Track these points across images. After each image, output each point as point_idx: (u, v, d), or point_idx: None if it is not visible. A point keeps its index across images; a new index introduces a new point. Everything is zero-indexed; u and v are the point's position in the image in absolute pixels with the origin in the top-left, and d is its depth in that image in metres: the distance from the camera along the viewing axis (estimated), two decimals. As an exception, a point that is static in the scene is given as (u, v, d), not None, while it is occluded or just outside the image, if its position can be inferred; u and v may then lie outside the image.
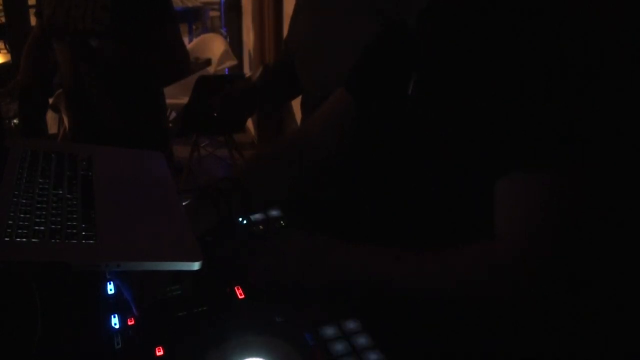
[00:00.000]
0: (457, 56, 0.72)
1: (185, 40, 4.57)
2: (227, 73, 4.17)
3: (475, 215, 0.70)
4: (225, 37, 4.63)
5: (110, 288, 0.76)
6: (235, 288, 0.76)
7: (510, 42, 0.66)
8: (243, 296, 0.75)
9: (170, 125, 3.52)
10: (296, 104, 3.31)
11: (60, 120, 3.07)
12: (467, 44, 0.71)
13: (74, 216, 0.79)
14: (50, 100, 2.82)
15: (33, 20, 2.08)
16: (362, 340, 0.67)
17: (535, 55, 0.63)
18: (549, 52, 0.63)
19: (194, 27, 5.64)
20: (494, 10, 0.69)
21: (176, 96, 3.56)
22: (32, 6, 3.17)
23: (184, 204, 0.96)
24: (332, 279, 0.73)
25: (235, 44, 4.64)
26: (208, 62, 3.55)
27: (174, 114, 3.78)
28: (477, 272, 0.68)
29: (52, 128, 3.07)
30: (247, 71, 4.42)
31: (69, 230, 0.75)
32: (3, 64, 3.15)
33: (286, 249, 0.78)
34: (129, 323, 0.70)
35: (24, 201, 0.80)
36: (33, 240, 0.71)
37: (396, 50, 0.83)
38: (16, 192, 0.82)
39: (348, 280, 0.73)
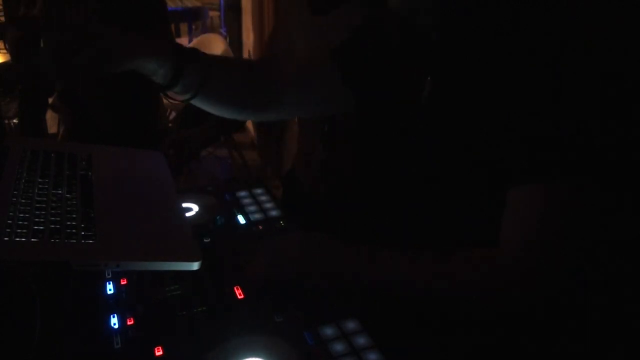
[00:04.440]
0: (472, 63, 0.71)
1: (185, 40, 4.57)
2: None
3: (482, 219, 0.70)
4: (225, 37, 4.63)
5: (110, 288, 0.76)
6: (235, 288, 0.76)
7: (523, 52, 0.65)
8: (243, 296, 0.75)
9: (170, 125, 3.51)
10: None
11: (60, 120, 3.06)
12: (482, 51, 0.70)
13: (74, 216, 0.79)
14: (50, 100, 2.81)
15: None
16: (361, 340, 0.67)
17: (550, 65, 0.63)
18: (563, 63, 0.62)
19: (193, 27, 5.64)
20: (510, 19, 0.68)
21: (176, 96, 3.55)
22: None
23: (183, 204, 0.96)
24: (336, 279, 0.73)
25: (235, 44, 4.63)
26: (208, 62, 3.54)
27: (174, 114, 3.77)
28: (482, 278, 0.68)
29: (52, 128, 3.06)
30: (247, 71, 4.41)
31: (68, 230, 0.75)
32: (3, 63, 3.14)
33: (287, 248, 0.78)
34: (129, 323, 0.70)
35: (23, 201, 0.80)
36: (32, 239, 0.71)
37: (410, 56, 0.82)
38: (16, 192, 0.82)
39: (352, 280, 0.73)
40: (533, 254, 0.65)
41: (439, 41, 0.76)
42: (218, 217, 0.94)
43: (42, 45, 1.77)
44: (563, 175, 0.63)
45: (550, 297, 0.66)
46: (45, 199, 0.82)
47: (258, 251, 0.79)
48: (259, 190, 1.05)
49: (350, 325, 0.69)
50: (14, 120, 2.99)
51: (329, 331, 0.68)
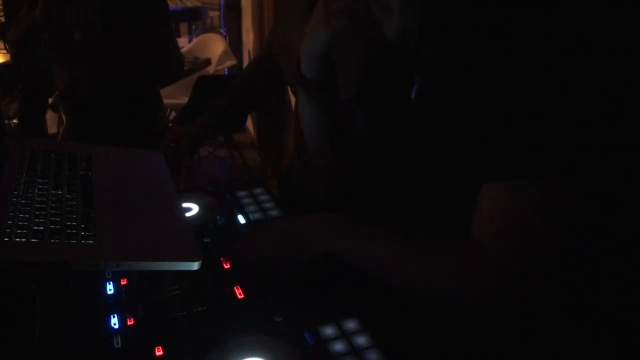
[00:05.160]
0: (466, 64, 0.71)
1: (185, 40, 4.57)
2: (226, 73, 4.17)
3: (468, 217, 0.70)
4: (225, 37, 4.63)
5: (110, 288, 0.76)
6: (235, 288, 0.76)
7: (512, 52, 0.65)
8: (242, 296, 0.75)
9: (170, 125, 3.52)
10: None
11: (60, 120, 3.07)
12: (470, 51, 0.70)
13: (74, 216, 0.79)
14: (50, 100, 2.82)
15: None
16: (361, 340, 0.67)
17: (535, 68, 0.63)
18: (549, 67, 0.62)
19: (193, 27, 5.64)
20: (498, 19, 0.68)
21: (176, 96, 3.56)
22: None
23: (183, 204, 0.96)
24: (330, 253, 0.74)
25: (234, 44, 4.64)
26: (208, 62, 3.55)
27: (174, 114, 3.78)
28: (482, 279, 0.68)
29: (52, 128, 3.07)
30: (246, 71, 4.41)
31: (68, 230, 0.75)
32: (3, 63, 3.15)
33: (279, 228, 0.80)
34: (129, 323, 0.70)
35: (23, 201, 0.80)
36: (33, 240, 0.71)
37: (398, 55, 0.82)
38: (16, 192, 0.82)
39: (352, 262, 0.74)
40: (532, 254, 0.65)
41: (432, 55, 0.75)
42: (218, 217, 0.94)
43: (42, 45, 1.78)
44: (562, 175, 0.63)
45: (550, 299, 0.66)
46: (45, 199, 0.82)
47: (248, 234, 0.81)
48: (259, 190, 1.05)
49: (350, 325, 0.69)
50: (14, 120, 2.99)
51: (329, 331, 0.68)
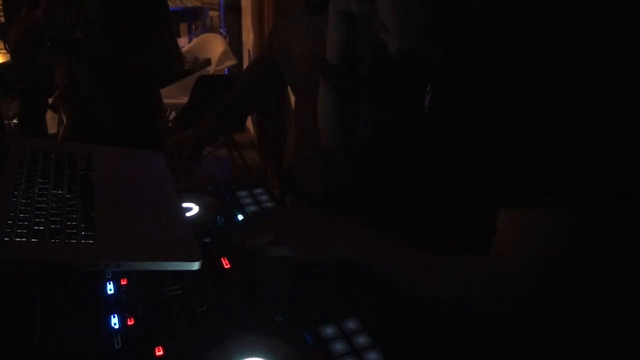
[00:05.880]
0: (465, 69, 0.71)
1: (185, 40, 4.57)
2: (226, 73, 4.17)
3: (484, 224, 0.70)
4: (225, 37, 4.63)
5: (110, 288, 0.76)
6: (235, 287, 0.76)
7: (512, 53, 0.65)
8: (242, 294, 0.75)
9: (170, 125, 3.52)
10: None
11: (60, 120, 3.07)
12: (473, 54, 0.70)
13: (74, 216, 0.79)
14: (50, 100, 2.82)
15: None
16: (361, 340, 0.67)
17: (535, 68, 0.63)
18: (549, 67, 0.62)
19: (193, 27, 5.64)
20: (510, 30, 0.67)
21: (176, 96, 3.56)
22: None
23: (183, 204, 0.96)
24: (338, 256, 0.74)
25: (234, 44, 4.64)
26: (207, 62, 3.55)
27: (174, 114, 3.78)
28: (484, 282, 0.68)
29: (52, 128, 3.07)
30: (246, 71, 4.40)
31: (68, 230, 0.75)
32: (3, 63, 3.15)
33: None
34: (129, 323, 0.70)
35: (23, 201, 0.80)
36: (33, 239, 0.71)
37: (413, 62, 0.82)
38: (16, 192, 0.82)
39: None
40: (538, 261, 0.64)
41: (440, 64, 0.75)
42: (218, 217, 0.94)
43: (44, 45, 1.78)
44: (569, 182, 0.62)
45: (551, 303, 0.66)
46: (45, 199, 0.82)
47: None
48: (259, 190, 1.05)
49: (350, 325, 0.69)
50: (14, 120, 2.99)
51: (329, 331, 0.68)
